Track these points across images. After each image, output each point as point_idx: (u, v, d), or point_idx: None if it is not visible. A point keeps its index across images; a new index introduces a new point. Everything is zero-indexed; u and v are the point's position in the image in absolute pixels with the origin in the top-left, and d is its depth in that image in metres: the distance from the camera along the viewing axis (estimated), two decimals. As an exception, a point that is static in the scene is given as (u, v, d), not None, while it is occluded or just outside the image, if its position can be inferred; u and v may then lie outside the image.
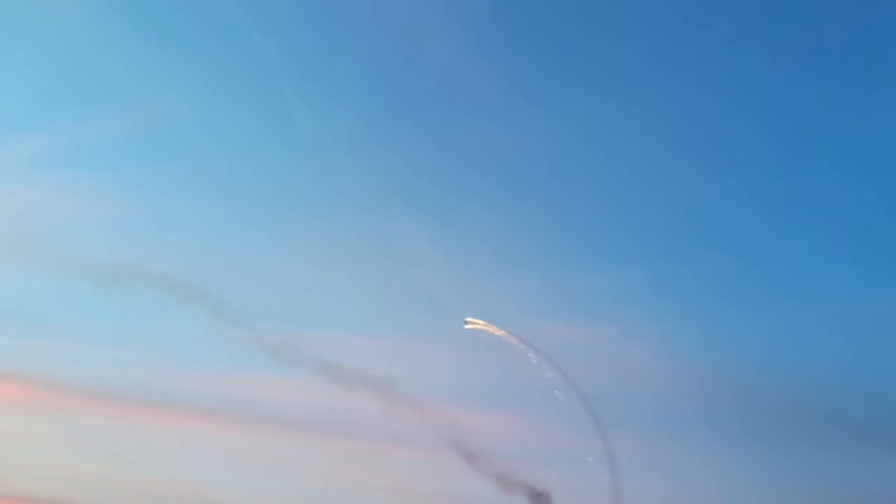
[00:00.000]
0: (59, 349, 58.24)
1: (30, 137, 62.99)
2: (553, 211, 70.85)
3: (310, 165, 66.86)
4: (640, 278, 68.48)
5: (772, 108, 73.92)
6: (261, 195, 66.74)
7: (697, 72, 73.69)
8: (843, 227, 70.15)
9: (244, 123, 68.46)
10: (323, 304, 62.25)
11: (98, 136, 63.31)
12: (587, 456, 47.79)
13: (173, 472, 56.17)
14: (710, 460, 56.18)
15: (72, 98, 66.01)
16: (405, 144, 70.97)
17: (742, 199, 72.38)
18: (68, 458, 55.79)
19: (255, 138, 68.17)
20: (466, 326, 45.50)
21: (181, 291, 50.64)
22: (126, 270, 50.76)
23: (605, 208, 72.42)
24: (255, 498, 54.84)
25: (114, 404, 57.79)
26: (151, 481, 55.49)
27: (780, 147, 72.93)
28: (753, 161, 72.73)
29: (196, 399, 57.92)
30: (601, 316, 65.72)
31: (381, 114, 72.38)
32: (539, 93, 73.67)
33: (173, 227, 63.82)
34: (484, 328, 45.55)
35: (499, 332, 45.94)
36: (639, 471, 52.96)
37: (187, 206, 65.10)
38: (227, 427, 58.47)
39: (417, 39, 71.08)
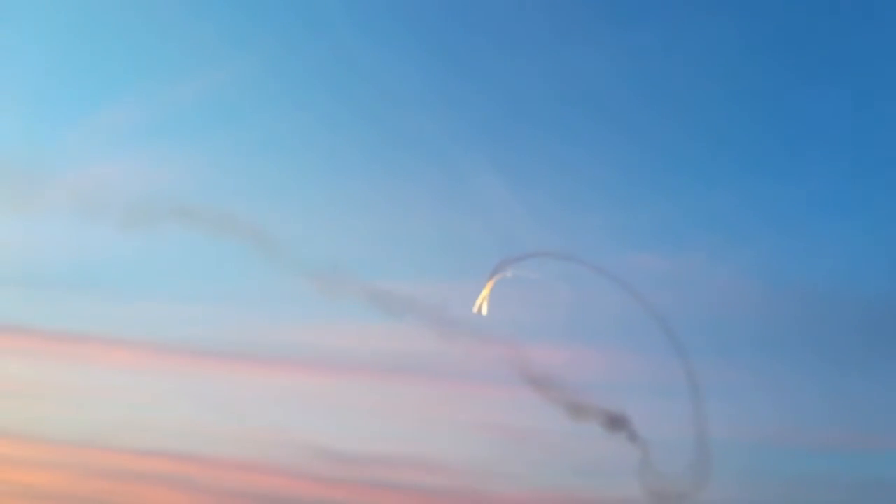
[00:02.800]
0: (159, 311, 61.91)
1: (108, 111, 65.70)
2: (630, 135, 68.41)
3: (377, 116, 67.53)
4: (726, 200, 66.01)
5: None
6: (332, 149, 67.89)
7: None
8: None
9: (311, 79, 69.48)
10: (402, 252, 63.38)
11: (172, 103, 65.34)
12: (670, 383, 47.57)
13: (275, 420, 59.72)
14: (798, 383, 54.80)
15: (144, 69, 68.14)
16: (472, 81, 70.05)
17: (838, 104, 67.87)
18: (177, 413, 59.87)
19: (321, 93, 69.13)
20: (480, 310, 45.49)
21: (268, 250, 52.41)
22: (214, 232, 52.83)
23: (686, 126, 68.76)
24: (351, 440, 57.74)
25: (217, 361, 61.48)
26: (258, 430, 59.18)
27: (880, 43, 67.48)
28: (851, 61, 68.02)
29: (291, 350, 61.04)
30: (686, 243, 64.09)
31: (445, 58, 71.27)
32: (608, 12, 71.01)
33: (255, 186, 65.74)
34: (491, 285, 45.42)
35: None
36: (725, 396, 52.46)
37: (264, 165, 66.84)
38: (321, 375, 61.34)
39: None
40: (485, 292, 44.92)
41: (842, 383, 54.27)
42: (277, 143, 66.99)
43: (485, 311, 44.92)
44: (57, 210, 53.56)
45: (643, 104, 68.83)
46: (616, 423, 45.91)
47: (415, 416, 59.95)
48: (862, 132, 66.34)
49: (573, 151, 67.60)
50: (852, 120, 67.11)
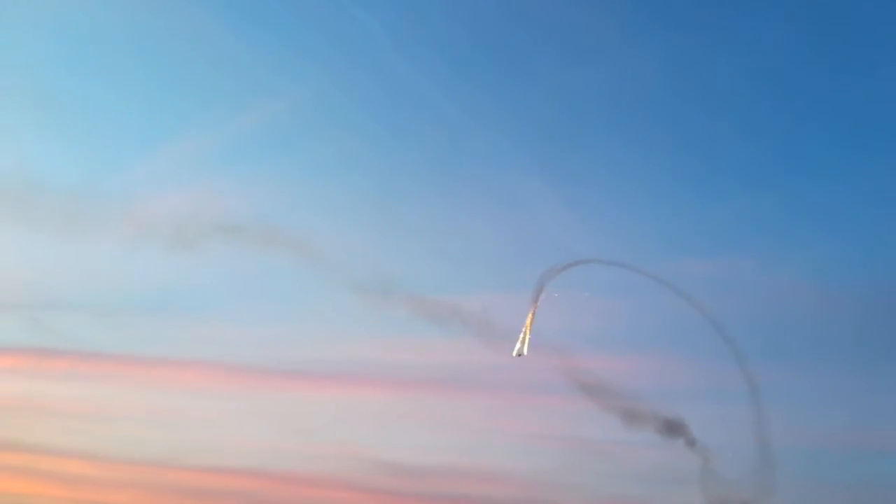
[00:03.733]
0: (224, 333, 64.07)
1: (173, 143, 68.42)
2: (678, 139, 68.49)
3: (424, 138, 68.95)
4: (779, 202, 65.64)
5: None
6: (382, 172, 69.46)
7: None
8: None
9: (360, 106, 71.21)
10: (456, 266, 64.41)
11: (232, 133, 67.69)
12: (728, 389, 47.47)
13: (339, 435, 61.11)
14: (858, 385, 53.88)
15: (205, 103, 70.75)
16: (516, 96, 70.90)
17: (890, 102, 66.37)
18: (244, 431, 61.89)
19: (371, 118, 70.87)
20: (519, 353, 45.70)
21: (326, 270, 53.95)
22: (274, 254, 54.60)
23: (731, 129, 68.34)
24: (413, 453, 58.81)
25: (281, 379, 63.34)
26: (323, 446, 60.82)
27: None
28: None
29: (351, 367, 62.48)
30: (736, 247, 63.77)
31: (494, 71, 72.55)
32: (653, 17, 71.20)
33: (313, 209, 67.50)
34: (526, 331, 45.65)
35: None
36: (786, 401, 51.93)
37: (320, 188, 68.62)
38: (381, 390, 62.64)
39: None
40: (525, 332, 45.37)
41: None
42: (332, 167, 68.91)
43: (525, 351, 45.32)
44: (126, 238, 56.13)
45: (691, 107, 69.07)
46: (672, 428, 46.05)
47: (473, 428, 60.79)
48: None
49: (622, 157, 67.93)
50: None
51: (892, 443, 53.74)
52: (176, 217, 57.16)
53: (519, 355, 45.14)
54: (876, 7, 67.36)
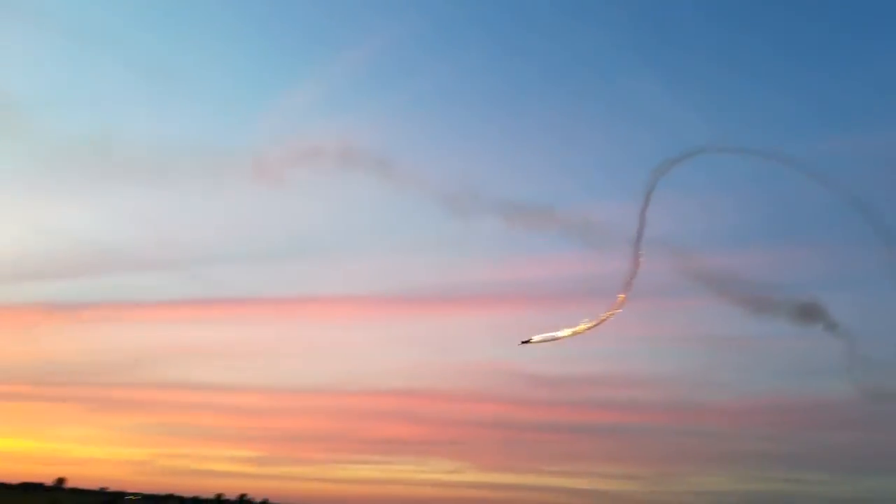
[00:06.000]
0: (363, 267, 68.49)
1: (289, 91, 71.98)
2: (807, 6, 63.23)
3: (531, 51, 67.95)
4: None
5: None
6: (491, 91, 69.52)
7: None
8: None
9: (461, 26, 71.03)
10: (577, 177, 64.45)
11: (341, 74, 70.13)
12: (875, 274, 45.13)
13: (484, 353, 64.68)
14: None
15: (310, 50, 73.60)
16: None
17: None
18: (398, 355, 66.83)
19: (486, 37, 70.57)
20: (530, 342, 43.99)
21: (447, 195, 55.34)
22: (396, 185, 56.63)
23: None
24: (556, 365, 60.93)
25: (423, 305, 67.34)
26: (467, 364, 64.31)
27: None
28: None
29: (485, 287, 65.07)
30: (890, 114, 58.97)
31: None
32: None
33: (430, 136, 69.12)
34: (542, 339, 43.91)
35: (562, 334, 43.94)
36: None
37: (438, 116, 70.07)
38: (517, 307, 64.82)
39: None
40: (586, 326, 43.52)
41: None
42: (437, 96, 69.89)
43: (532, 340, 43.56)
44: (257, 189, 60.71)
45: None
46: (808, 313, 44.45)
47: (612, 335, 61.62)
48: None
49: (745, 40, 63.90)
50: None
51: None
52: (298, 163, 60.33)
53: (525, 342, 44.85)
54: None
